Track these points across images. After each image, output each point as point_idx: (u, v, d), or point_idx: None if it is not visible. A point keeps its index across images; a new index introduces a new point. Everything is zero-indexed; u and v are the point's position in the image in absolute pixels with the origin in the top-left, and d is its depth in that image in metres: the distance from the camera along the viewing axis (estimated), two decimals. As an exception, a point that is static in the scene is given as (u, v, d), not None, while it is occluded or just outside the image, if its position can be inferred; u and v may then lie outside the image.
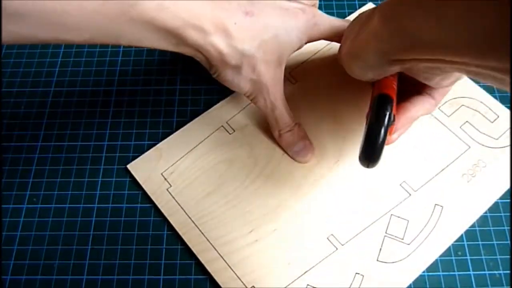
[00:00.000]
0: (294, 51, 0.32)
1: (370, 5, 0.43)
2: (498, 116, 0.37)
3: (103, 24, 0.24)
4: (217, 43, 0.28)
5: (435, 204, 0.33)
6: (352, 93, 0.38)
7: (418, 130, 0.36)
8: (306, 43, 0.33)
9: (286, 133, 0.34)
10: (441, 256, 0.32)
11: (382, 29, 0.24)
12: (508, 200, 0.34)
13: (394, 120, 0.27)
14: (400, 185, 0.34)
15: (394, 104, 0.28)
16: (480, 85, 0.38)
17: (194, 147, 0.37)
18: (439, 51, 0.21)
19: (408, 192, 0.34)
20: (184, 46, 0.28)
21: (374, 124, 0.26)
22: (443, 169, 0.35)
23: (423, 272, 0.32)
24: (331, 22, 0.34)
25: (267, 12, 0.30)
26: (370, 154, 0.26)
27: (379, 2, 0.44)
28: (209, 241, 0.33)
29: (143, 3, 0.25)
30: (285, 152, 0.36)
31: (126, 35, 0.26)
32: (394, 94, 0.28)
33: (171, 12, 0.26)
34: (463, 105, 0.37)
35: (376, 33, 0.24)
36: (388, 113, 0.26)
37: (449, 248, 0.32)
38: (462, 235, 0.33)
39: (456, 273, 0.32)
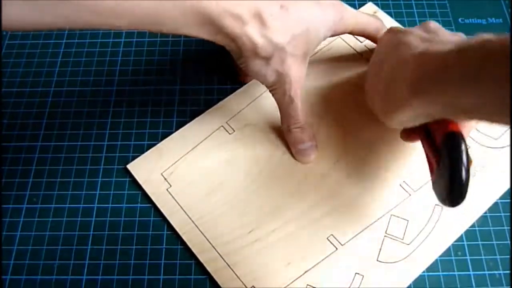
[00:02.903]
0: (318, 45, 0.33)
1: (370, 5, 0.43)
2: (498, 116, 0.37)
3: (153, 10, 0.26)
4: (252, 33, 0.29)
5: (435, 204, 0.33)
6: (352, 93, 0.38)
7: (418, 130, 0.36)
8: (330, 36, 0.33)
9: (295, 129, 0.34)
10: (441, 256, 0.32)
11: (413, 100, 0.25)
12: (508, 200, 0.34)
13: (470, 158, 0.26)
14: (400, 185, 0.34)
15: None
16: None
17: (194, 147, 0.37)
18: (474, 114, 0.22)
19: (408, 192, 0.34)
20: (220, 35, 0.29)
21: (455, 169, 0.25)
22: (443, 169, 0.35)
23: (423, 272, 0.32)
24: (356, 17, 0.34)
25: (300, 5, 0.30)
26: (457, 197, 0.26)
27: (379, 2, 0.44)
28: (209, 241, 0.33)
29: None
30: (288, 150, 0.36)
31: (170, 22, 0.27)
32: (456, 126, 0.27)
33: (216, 2, 0.27)
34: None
35: (406, 103, 0.26)
36: (465, 154, 0.25)
37: (449, 248, 0.32)
38: (462, 235, 0.33)
39: (456, 273, 0.32)
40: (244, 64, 0.31)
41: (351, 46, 0.41)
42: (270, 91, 0.33)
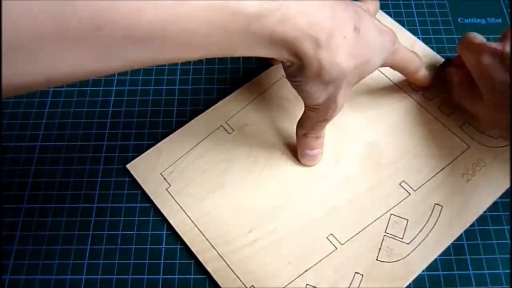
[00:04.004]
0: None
1: (369, 5, 0.43)
2: (497, 116, 0.37)
3: (224, 39, 0.23)
4: (323, 57, 0.26)
5: (435, 204, 0.33)
6: (352, 93, 0.38)
7: (418, 130, 0.36)
8: (380, 67, 0.32)
9: (311, 138, 0.34)
10: (440, 255, 0.32)
11: None
12: (508, 200, 0.34)
13: None
14: (400, 184, 0.34)
15: None
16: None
17: (194, 147, 0.37)
18: None
19: (407, 191, 0.34)
20: (288, 53, 0.26)
21: None
22: (442, 169, 0.35)
23: (423, 271, 0.32)
24: (404, 52, 0.33)
25: (369, 31, 0.28)
26: None
27: (379, 2, 0.44)
28: (208, 241, 0.33)
29: (267, 16, 0.23)
30: (287, 150, 0.36)
31: (241, 48, 0.25)
32: None
33: (292, 24, 0.24)
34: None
35: None
36: None
37: (448, 248, 0.32)
38: (462, 234, 0.33)
39: (456, 272, 0.32)
40: (300, 83, 0.29)
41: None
42: (308, 108, 0.32)
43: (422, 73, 0.36)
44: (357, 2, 0.32)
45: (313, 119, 0.32)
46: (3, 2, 0.16)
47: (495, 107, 0.31)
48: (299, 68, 0.27)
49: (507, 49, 0.30)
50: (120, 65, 0.21)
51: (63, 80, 0.20)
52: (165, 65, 0.42)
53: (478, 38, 0.33)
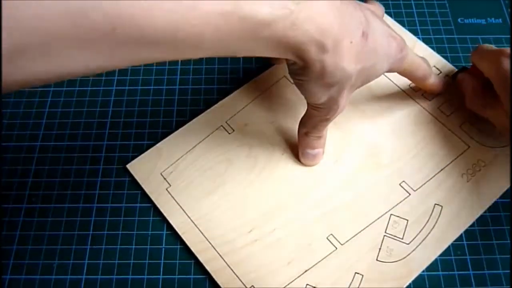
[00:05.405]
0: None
1: (369, 5, 0.43)
2: (497, 116, 0.37)
3: (233, 43, 0.23)
4: (327, 61, 0.26)
5: (435, 204, 0.33)
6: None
7: (417, 130, 0.36)
8: (386, 72, 0.32)
9: (313, 137, 0.34)
10: (440, 255, 0.32)
11: None
12: (508, 200, 0.34)
13: None
14: (400, 184, 0.34)
15: None
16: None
17: (194, 147, 0.37)
18: None
19: (407, 191, 0.34)
20: (293, 55, 0.26)
21: None
22: (442, 169, 0.35)
23: (423, 271, 0.32)
24: (413, 59, 0.33)
25: (376, 37, 0.28)
26: None
27: (379, 2, 0.44)
28: (208, 241, 0.33)
29: (277, 22, 0.23)
30: (288, 149, 0.36)
31: (247, 50, 0.25)
32: None
33: (301, 30, 0.24)
34: (462, 104, 0.37)
35: None
36: None
37: (448, 248, 0.32)
38: (461, 234, 0.33)
39: (456, 272, 0.32)
40: (302, 82, 0.29)
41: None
42: (310, 106, 0.32)
43: (432, 80, 0.36)
44: (366, 4, 0.32)
45: (315, 118, 0.32)
46: (13, 2, 0.16)
47: None
48: (302, 68, 0.27)
49: None
50: (129, 63, 0.22)
51: (73, 76, 0.21)
52: (165, 65, 0.42)
53: (493, 47, 0.34)
